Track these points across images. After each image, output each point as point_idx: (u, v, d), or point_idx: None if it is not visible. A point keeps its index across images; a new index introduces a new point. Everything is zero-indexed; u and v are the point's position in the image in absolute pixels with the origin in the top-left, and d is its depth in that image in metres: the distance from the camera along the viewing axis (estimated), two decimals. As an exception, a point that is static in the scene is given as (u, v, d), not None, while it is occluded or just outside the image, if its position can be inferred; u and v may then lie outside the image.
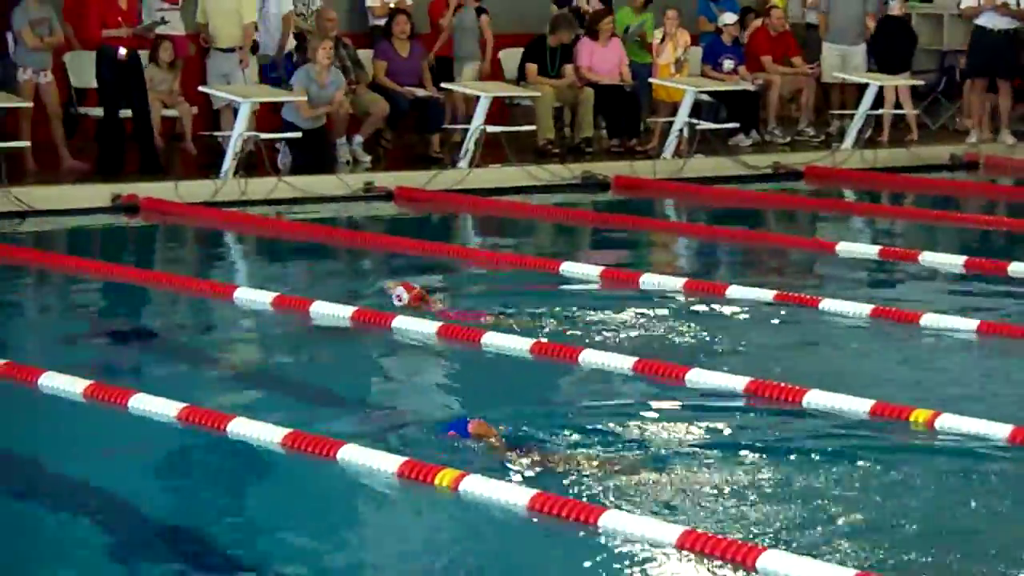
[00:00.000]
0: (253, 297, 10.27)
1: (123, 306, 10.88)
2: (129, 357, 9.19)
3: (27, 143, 14.72)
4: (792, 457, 6.91)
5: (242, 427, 7.11)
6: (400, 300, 9.73)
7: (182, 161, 15.95)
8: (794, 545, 5.78)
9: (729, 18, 18.45)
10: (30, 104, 14.81)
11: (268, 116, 16.24)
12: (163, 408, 7.44)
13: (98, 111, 15.44)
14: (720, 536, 5.77)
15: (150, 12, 15.64)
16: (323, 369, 8.80)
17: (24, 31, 15.00)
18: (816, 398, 7.69)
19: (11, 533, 6.12)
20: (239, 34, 16.05)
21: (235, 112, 15.39)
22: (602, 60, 17.57)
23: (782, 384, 7.87)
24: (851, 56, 18.83)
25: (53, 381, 7.93)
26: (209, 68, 16.25)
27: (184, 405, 7.39)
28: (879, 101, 18.27)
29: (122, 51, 14.85)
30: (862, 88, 18.21)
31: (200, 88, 15.87)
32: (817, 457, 6.92)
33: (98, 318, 10.41)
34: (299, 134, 15.38)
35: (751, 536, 5.88)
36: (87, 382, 7.81)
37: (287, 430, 6.98)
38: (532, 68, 17.29)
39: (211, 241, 13.58)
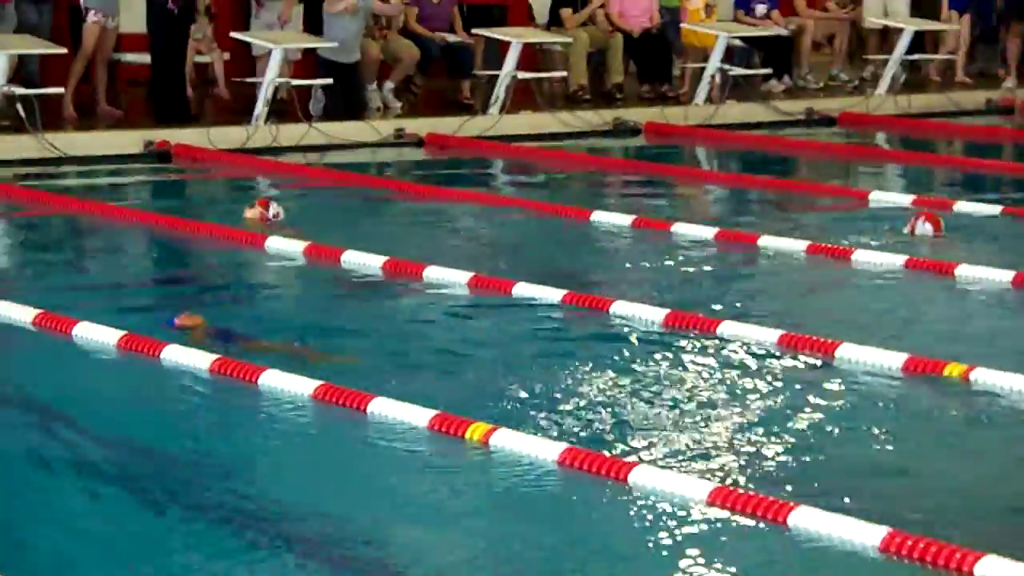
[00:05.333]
0: (284, 246, 10.28)
1: (158, 255, 10.89)
2: (161, 307, 9.20)
3: (61, 89, 14.72)
4: (823, 411, 6.88)
5: (274, 379, 7.12)
6: None
7: (213, 107, 15.96)
8: (824, 501, 5.75)
9: (763, -37, 18.35)
10: (63, 50, 14.80)
11: (306, 65, 16.23)
12: (194, 360, 7.45)
13: (142, 58, 15.46)
14: (749, 492, 5.76)
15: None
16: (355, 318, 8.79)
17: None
18: (848, 352, 7.66)
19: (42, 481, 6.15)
20: None
21: (270, 59, 15.41)
22: (633, 5, 17.49)
23: (814, 337, 7.84)
24: (891, 0, 18.76)
25: (87, 332, 7.95)
26: (259, 17, 16.29)
27: (215, 357, 7.40)
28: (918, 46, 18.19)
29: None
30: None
31: (232, 34, 15.87)
32: (849, 411, 6.89)
33: (132, 267, 10.44)
34: (330, 80, 15.36)
35: (780, 491, 5.87)
36: (121, 332, 7.82)
37: (318, 382, 6.99)
38: (568, 12, 17.24)
39: (243, 187, 13.58)
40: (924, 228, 10.65)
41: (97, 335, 7.90)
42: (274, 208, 11.05)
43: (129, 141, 14.39)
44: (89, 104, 15.37)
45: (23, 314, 8.30)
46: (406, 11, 16.71)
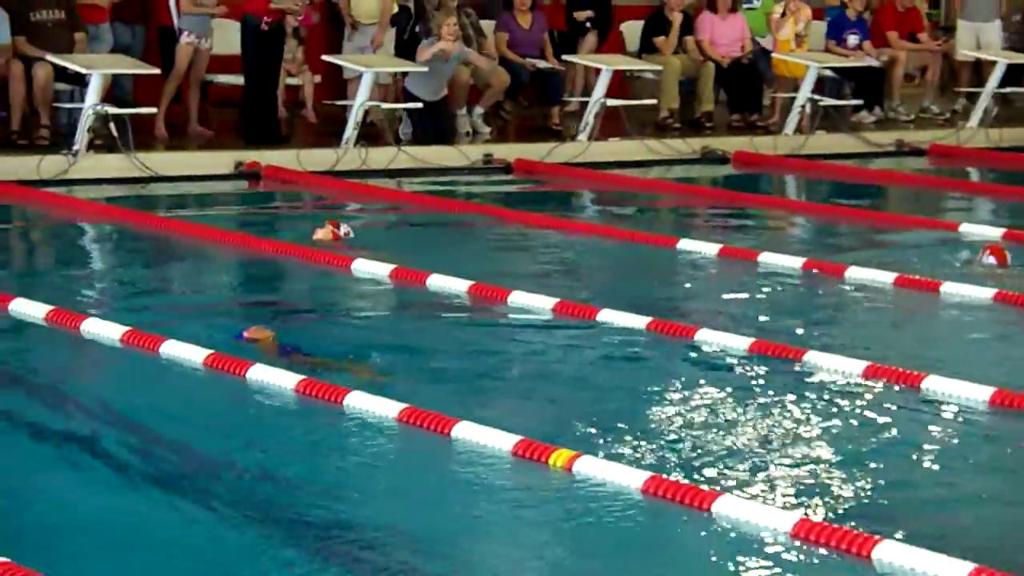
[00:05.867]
0: (370, 268, 10.30)
1: (245, 274, 10.97)
2: (245, 325, 9.25)
3: (153, 109, 14.91)
4: (909, 443, 6.82)
5: (358, 400, 7.14)
6: None
7: (303, 129, 16.06)
8: (909, 535, 5.69)
9: (855, -8, 18.28)
10: (156, 70, 14.94)
11: (396, 90, 16.32)
12: (280, 380, 7.48)
13: (234, 79, 15.59)
14: (834, 525, 5.72)
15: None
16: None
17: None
18: (935, 384, 7.59)
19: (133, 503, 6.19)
20: (377, 10, 16.24)
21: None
22: (723, 34, 17.47)
23: (900, 369, 7.77)
24: (984, 33, 18.60)
25: (173, 349, 8.01)
26: (352, 40, 16.41)
27: (302, 378, 7.43)
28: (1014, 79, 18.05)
29: (265, 22, 14.93)
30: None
31: (324, 57, 15.98)
32: (935, 444, 6.83)
33: (219, 286, 10.52)
34: (420, 104, 15.42)
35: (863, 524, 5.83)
36: (206, 351, 7.88)
37: (403, 405, 6.99)
38: (663, 40, 17.24)
39: (331, 208, 13.65)
40: (988, 260, 10.68)
41: (183, 352, 7.95)
42: (344, 227, 11.19)
43: (219, 161, 14.53)
44: (180, 124, 15.53)
45: (111, 331, 8.38)
46: (496, 36, 16.78)
